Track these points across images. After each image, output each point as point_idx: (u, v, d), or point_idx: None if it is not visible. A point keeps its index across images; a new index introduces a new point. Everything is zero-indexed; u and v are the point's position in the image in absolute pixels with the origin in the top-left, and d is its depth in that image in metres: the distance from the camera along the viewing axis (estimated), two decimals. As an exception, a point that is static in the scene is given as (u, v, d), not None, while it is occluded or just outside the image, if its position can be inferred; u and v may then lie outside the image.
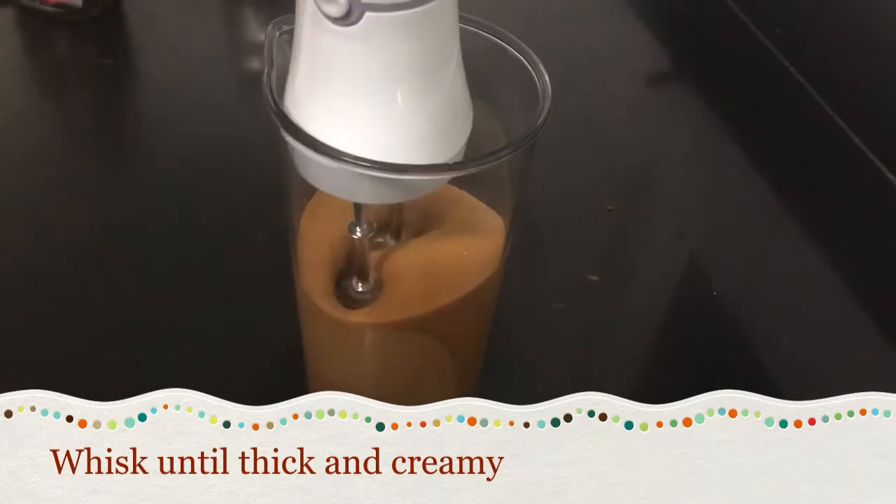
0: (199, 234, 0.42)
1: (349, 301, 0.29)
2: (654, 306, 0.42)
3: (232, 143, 0.48)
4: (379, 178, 0.23)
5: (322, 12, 0.21)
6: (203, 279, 0.40)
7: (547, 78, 0.25)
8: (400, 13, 0.21)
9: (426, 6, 0.21)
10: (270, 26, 0.25)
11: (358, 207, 0.27)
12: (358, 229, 0.27)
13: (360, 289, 0.29)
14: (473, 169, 0.24)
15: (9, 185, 0.44)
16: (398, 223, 0.29)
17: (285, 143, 0.24)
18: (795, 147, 0.53)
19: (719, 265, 0.45)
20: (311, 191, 0.29)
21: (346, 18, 0.21)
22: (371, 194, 0.25)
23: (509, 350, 0.38)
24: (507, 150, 0.24)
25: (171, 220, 0.43)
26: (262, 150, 0.46)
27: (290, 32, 0.25)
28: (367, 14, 0.21)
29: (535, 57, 0.26)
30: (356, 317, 0.28)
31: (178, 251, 0.41)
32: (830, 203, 0.50)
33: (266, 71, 0.24)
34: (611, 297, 0.42)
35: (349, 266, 0.29)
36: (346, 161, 0.22)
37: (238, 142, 0.48)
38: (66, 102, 0.52)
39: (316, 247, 0.29)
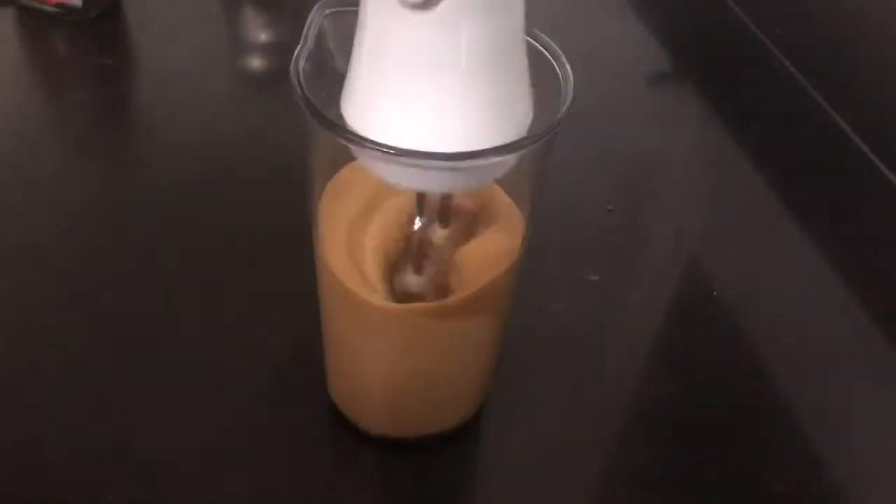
0: (201, 233, 0.42)
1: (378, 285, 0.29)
2: (654, 306, 0.42)
3: (232, 142, 0.48)
4: (443, 167, 0.24)
5: (401, 1, 0.21)
6: (204, 278, 0.40)
7: (570, 70, 0.26)
8: None
9: None
10: (317, 7, 0.25)
11: (420, 198, 0.27)
12: (418, 220, 0.27)
13: (415, 280, 0.29)
14: (496, 157, 0.24)
15: (9, 184, 0.44)
16: (446, 216, 0.29)
17: (307, 119, 0.24)
18: (795, 147, 0.53)
19: (719, 265, 0.45)
20: (334, 168, 0.30)
21: (426, 4, 0.21)
22: (436, 183, 0.25)
23: (510, 350, 0.38)
24: (531, 139, 0.24)
25: (171, 219, 0.43)
26: (263, 150, 0.47)
27: (337, 14, 0.25)
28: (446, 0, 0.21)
29: (558, 50, 0.26)
30: (379, 302, 0.29)
31: (179, 250, 0.41)
32: (830, 203, 0.50)
33: (298, 50, 0.24)
34: (611, 297, 0.42)
35: (379, 247, 0.29)
36: (371, 147, 0.23)
37: (238, 141, 0.48)
38: (66, 102, 0.52)
39: (341, 227, 0.29)
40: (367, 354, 0.32)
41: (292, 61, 0.24)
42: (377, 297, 0.29)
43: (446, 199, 0.29)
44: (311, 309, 0.33)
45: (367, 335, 0.31)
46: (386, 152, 0.23)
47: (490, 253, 0.29)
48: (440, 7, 0.21)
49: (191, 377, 0.36)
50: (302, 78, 0.24)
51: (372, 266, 0.29)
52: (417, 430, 0.34)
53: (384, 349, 0.31)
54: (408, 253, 0.29)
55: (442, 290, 0.29)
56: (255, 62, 0.56)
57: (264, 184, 0.45)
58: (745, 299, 0.43)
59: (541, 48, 0.26)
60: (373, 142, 0.23)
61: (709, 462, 0.35)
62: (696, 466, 0.35)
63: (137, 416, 0.34)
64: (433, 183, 0.25)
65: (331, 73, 0.25)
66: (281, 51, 0.57)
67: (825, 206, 0.49)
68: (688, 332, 0.41)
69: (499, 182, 0.30)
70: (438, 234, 0.29)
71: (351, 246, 0.29)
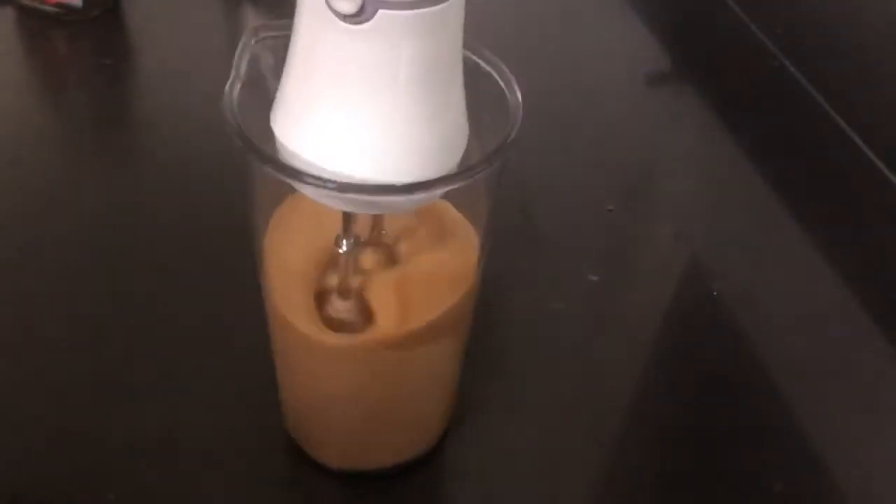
0: (199, 234, 0.42)
1: (325, 319, 0.28)
2: (654, 306, 0.42)
3: (232, 143, 0.48)
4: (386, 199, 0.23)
5: (332, 9, 0.21)
6: (202, 278, 0.40)
7: (519, 96, 0.25)
8: (413, 12, 0.21)
9: (439, 6, 0.21)
10: (247, 32, 0.24)
11: (347, 219, 0.26)
12: (345, 242, 0.26)
13: (339, 307, 0.28)
14: (442, 188, 0.23)
15: (9, 184, 0.44)
16: (378, 235, 0.28)
17: (245, 153, 0.23)
18: (795, 147, 0.53)
19: (719, 265, 0.45)
20: (277, 200, 0.29)
21: (358, 15, 0.20)
22: (363, 204, 0.24)
23: (510, 350, 0.38)
24: (480, 166, 0.23)
25: (170, 220, 0.43)
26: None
27: (271, 39, 0.24)
28: (381, 12, 0.20)
29: (508, 74, 0.25)
30: (331, 338, 0.28)
31: (178, 250, 0.41)
32: (830, 203, 0.50)
33: (230, 82, 0.23)
34: (611, 297, 0.42)
35: (325, 281, 0.28)
36: (314, 183, 0.22)
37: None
38: (66, 102, 0.52)
39: (288, 262, 0.28)
40: (320, 390, 0.31)
41: (224, 94, 0.23)
42: (325, 332, 0.27)
43: (377, 218, 0.28)
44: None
45: (318, 371, 0.30)
46: (327, 188, 0.22)
47: (443, 279, 0.28)
48: (374, 21, 0.21)
49: (191, 379, 0.36)
50: (236, 111, 0.23)
51: (315, 299, 0.28)
52: (378, 463, 0.33)
53: (338, 384, 0.30)
54: (336, 276, 0.28)
55: (390, 323, 0.28)
56: (255, 62, 0.56)
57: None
58: (745, 299, 0.43)
59: (491, 71, 0.26)
60: (315, 177, 0.22)
61: (708, 462, 0.36)
62: (696, 466, 0.35)
63: (137, 416, 0.34)
64: (367, 206, 0.24)
65: (269, 102, 0.24)
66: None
67: (825, 206, 0.49)
68: (688, 332, 0.41)
69: (452, 203, 0.30)
70: (368, 256, 0.28)
71: (298, 280, 0.28)
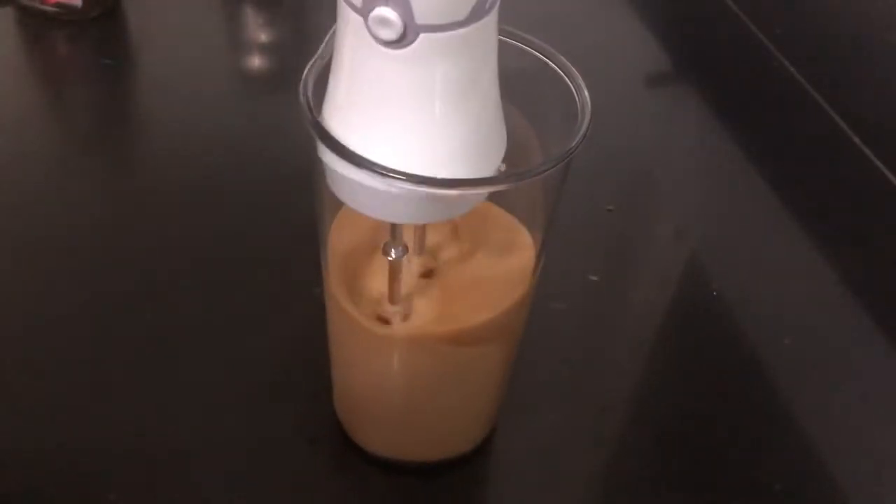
0: (200, 234, 0.42)
1: (380, 308, 0.28)
2: (654, 306, 0.42)
3: (232, 142, 0.48)
4: (416, 197, 0.23)
5: (374, 36, 0.21)
6: (203, 278, 0.40)
7: (587, 95, 0.25)
8: (453, 33, 0.21)
9: (477, 24, 0.21)
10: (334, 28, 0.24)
11: (394, 227, 0.26)
12: (393, 251, 0.26)
13: (391, 308, 0.28)
14: (511, 184, 0.24)
15: (9, 184, 0.44)
16: (422, 237, 0.29)
17: (317, 144, 0.23)
18: (795, 147, 0.53)
19: (719, 265, 0.45)
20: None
21: (400, 42, 0.21)
22: (408, 214, 0.24)
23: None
24: (544, 166, 0.23)
25: (171, 220, 0.43)
26: (263, 150, 0.47)
27: None
28: (422, 36, 0.21)
29: (576, 73, 0.26)
30: (386, 330, 0.28)
31: (179, 251, 0.41)
32: (830, 203, 0.50)
33: (308, 67, 0.24)
34: (611, 297, 0.42)
35: (384, 272, 0.29)
36: (382, 173, 0.22)
37: (238, 141, 0.48)
38: (66, 102, 0.52)
39: (348, 255, 0.29)
40: (370, 378, 0.31)
41: (301, 81, 0.23)
42: (377, 322, 0.28)
43: (422, 227, 0.28)
44: (312, 312, 0.33)
45: (369, 359, 0.30)
46: (395, 177, 0.22)
47: (496, 283, 0.29)
48: (416, 44, 0.21)
49: (193, 380, 0.36)
50: (311, 100, 0.23)
51: (377, 293, 0.28)
52: (425, 456, 0.34)
53: (387, 374, 0.30)
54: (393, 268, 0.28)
55: (445, 321, 0.28)
56: (255, 62, 0.56)
57: (265, 183, 0.45)
58: (745, 299, 0.43)
59: (560, 72, 0.26)
60: (385, 168, 0.22)
61: (708, 462, 0.36)
62: (696, 466, 0.35)
63: (138, 416, 0.34)
64: (405, 215, 0.24)
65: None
66: (281, 51, 0.57)
67: (825, 206, 0.49)
68: (688, 332, 0.41)
69: (511, 210, 0.30)
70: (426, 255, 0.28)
71: (357, 269, 0.29)
